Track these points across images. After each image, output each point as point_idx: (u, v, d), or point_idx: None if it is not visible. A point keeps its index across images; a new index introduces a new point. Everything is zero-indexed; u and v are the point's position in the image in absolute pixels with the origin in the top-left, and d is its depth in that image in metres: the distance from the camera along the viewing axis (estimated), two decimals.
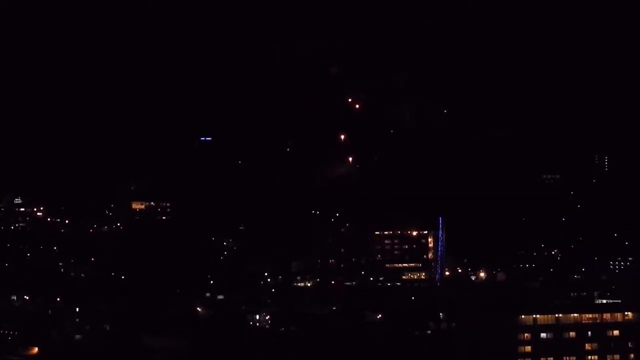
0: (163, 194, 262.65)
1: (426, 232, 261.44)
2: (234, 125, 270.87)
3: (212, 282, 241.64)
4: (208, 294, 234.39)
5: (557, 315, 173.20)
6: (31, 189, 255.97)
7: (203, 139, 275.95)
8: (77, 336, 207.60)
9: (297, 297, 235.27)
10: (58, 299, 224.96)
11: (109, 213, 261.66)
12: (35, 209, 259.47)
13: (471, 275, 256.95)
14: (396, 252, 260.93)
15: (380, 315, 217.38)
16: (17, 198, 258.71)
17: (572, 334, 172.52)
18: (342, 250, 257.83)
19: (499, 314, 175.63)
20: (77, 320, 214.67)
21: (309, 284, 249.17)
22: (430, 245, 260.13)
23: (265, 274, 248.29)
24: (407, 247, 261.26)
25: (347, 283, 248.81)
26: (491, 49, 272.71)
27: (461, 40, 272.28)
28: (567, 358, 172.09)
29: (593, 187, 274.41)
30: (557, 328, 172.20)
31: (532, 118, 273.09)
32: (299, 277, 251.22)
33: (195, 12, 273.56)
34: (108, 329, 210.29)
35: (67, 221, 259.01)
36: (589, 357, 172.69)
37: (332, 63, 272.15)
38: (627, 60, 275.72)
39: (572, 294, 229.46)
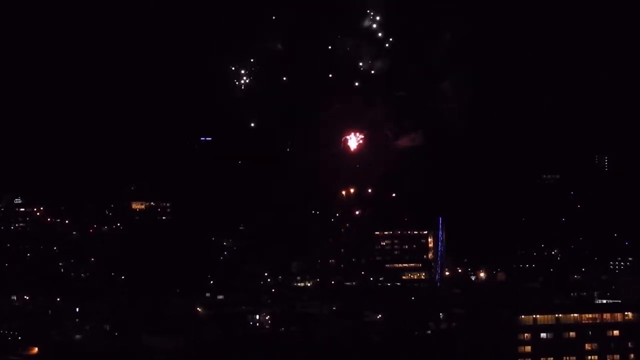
0: (163, 194, 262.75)
1: (426, 232, 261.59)
2: (234, 125, 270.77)
3: (212, 282, 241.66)
4: (208, 294, 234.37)
5: (557, 315, 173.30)
6: (31, 189, 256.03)
7: (203, 139, 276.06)
8: (77, 336, 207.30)
9: (297, 297, 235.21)
10: (58, 299, 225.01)
11: (109, 213, 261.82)
12: (35, 209, 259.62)
13: (471, 275, 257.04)
14: (396, 252, 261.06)
15: (380, 315, 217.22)
16: (17, 198, 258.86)
17: (572, 334, 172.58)
18: (342, 250, 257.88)
19: (499, 314, 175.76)
20: (77, 320, 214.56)
21: (309, 284, 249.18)
22: (430, 245, 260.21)
23: (265, 274, 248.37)
24: (407, 247, 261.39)
25: (347, 283, 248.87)
26: (491, 48, 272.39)
27: (460, 40, 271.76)
28: (567, 358, 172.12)
29: (593, 187, 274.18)
30: (557, 328, 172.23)
31: (532, 118, 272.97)
32: (299, 277, 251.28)
33: (194, 12, 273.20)
34: (108, 329, 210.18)
35: (67, 221, 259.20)
36: (589, 357, 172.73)
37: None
38: (627, 60, 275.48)
39: (572, 294, 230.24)
